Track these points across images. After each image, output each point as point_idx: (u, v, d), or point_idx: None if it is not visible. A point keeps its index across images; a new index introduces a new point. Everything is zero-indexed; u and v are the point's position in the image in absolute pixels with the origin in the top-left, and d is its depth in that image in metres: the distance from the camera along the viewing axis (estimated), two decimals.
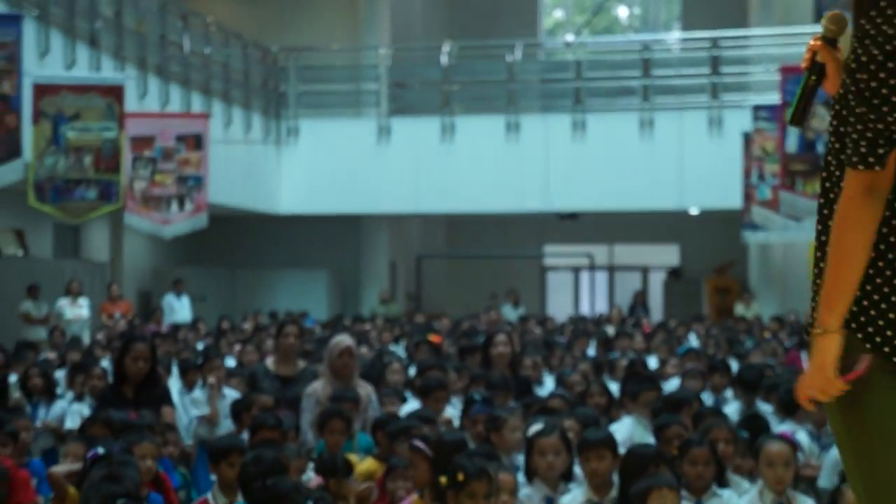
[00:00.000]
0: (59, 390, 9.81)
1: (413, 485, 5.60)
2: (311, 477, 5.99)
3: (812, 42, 2.91)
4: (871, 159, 2.61)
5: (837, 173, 2.72)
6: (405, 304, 24.01)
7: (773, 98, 16.78)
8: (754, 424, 6.86)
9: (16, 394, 8.89)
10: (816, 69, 2.91)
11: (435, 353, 11.10)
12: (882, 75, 2.58)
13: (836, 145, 2.72)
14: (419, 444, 5.48)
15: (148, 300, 21.47)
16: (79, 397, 9.29)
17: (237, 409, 7.79)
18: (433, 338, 12.13)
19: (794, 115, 2.93)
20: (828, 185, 2.77)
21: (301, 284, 23.07)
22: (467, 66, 22.08)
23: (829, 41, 2.90)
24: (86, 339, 15.24)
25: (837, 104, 2.73)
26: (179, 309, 19.28)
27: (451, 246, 26.73)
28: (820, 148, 14.80)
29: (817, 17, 22.40)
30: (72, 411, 8.92)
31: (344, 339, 7.97)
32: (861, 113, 2.61)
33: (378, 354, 11.55)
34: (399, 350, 13.53)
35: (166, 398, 7.69)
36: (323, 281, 23.32)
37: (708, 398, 8.56)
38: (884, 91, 2.59)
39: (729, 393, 8.83)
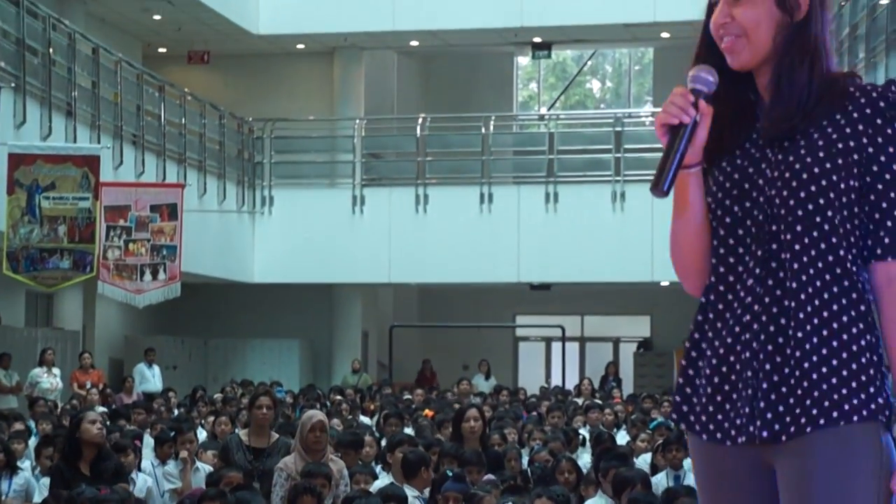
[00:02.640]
0: (30, 462, 9.77)
1: None
2: None
3: (685, 96, 2.52)
4: None
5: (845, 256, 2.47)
6: (377, 374, 24.01)
7: None
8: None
9: None
10: (694, 129, 2.51)
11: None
12: None
13: (850, 235, 2.47)
14: None
15: (120, 369, 21.41)
16: (47, 471, 9.25)
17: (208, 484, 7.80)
18: (427, 413, 12.14)
19: (665, 180, 2.50)
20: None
21: (273, 353, 23.08)
22: (441, 138, 22.28)
23: (706, 97, 2.53)
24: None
25: (866, 192, 2.46)
26: (151, 378, 19.24)
27: (423, 316, 26.78)
28: None
29: None
30: (41, 486, 8.86)
31: (316, 414, 8.02)
32: None
33: (351, 425, 11.58)
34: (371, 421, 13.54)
35: (121, 473, 7.65)
36: (295, 350, 23.33)
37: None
38: None
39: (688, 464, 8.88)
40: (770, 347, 2.46)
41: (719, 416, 2.51)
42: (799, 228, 2.46)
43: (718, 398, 2.51)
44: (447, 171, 21.91)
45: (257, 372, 21.76)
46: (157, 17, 21.35)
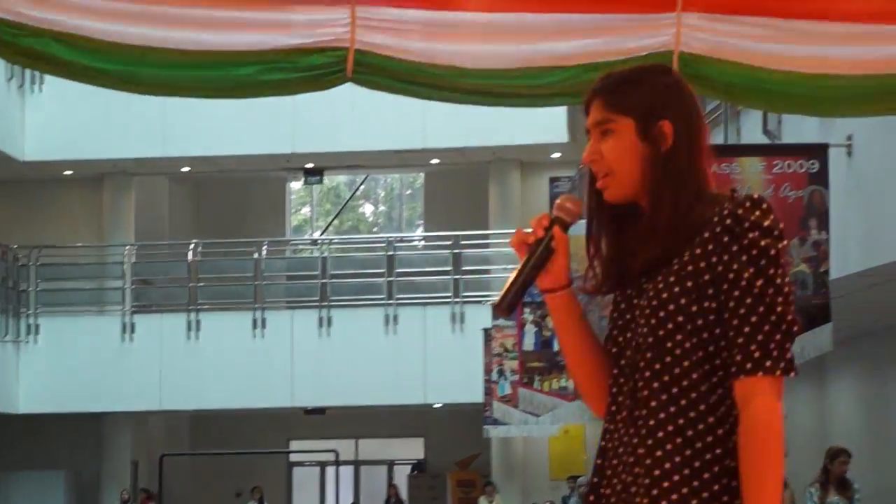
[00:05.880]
0: None
1: None
2: None
3: (541, 220, 2.54)
4: (789, 363, 2.46)
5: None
6: None
7: None
8: None
9: None
10: (547, 254, 2.54)
11: None
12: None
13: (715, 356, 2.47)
14: None
15: None
16: None
17: None
18: None
19: (507, 301, 2.51)
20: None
21: (37, 486, 22.32)
22: (214, 264, 22.23)
23: (564, 226, 2.55)
24: None
25: (720, 312, 2.46)
26: None
27: (195, 443, 26.35)
28: (556, 346, 15.27)
29: None
30: None
31: None
32: (782, 314, 2.43)
33: None
34: None
35: None
36: (61, 482, 22.64)
37: None
38: (787, 291, 2.46)
39: None
40: (629, 479, 2.47)
41: None
42: (650, 355, 2.47)
43: None
44: (219, 296, 21.85)
45: None
46: None
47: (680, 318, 2.46)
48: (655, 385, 2.47)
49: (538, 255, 2.52)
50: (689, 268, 2.47)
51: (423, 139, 22.16)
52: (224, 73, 3.89)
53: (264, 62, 3.85)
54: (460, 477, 24.64)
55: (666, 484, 2.43)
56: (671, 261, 2.49)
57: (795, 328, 2.45)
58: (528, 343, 15.88)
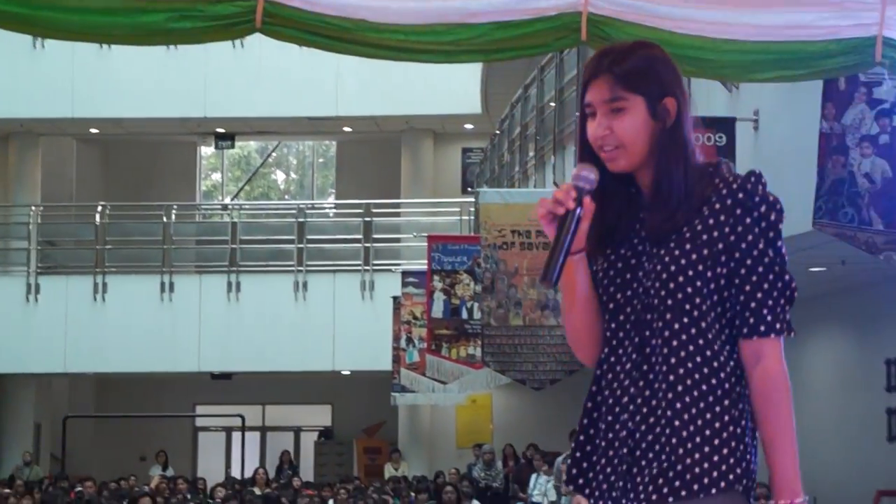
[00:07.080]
0: None
1: None
2: None
3: (570, 192, 2.66)
4: (790, 325, 2.70)
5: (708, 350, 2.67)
6: (49, 466, 23.25)
7: (421, 264, 17.42)
8: None
9: None
10: (578, 223, 2.66)
11: None
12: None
13: (720, 317, 2.68)
14: None
15: None
16: None
17: None
18: None
19: (553, 272, 2.65)
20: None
21: None
22: (122, 226, 22.01)
23: (588, 193, 2.68)
24: None
25: (731, 277, 2.67)
26: None
27: (100, 406, 26.12)
28: (465, 314, 15.33)
29: (464, 190, 23.57)
30: None
31: None
32: (788, 281, 2.67)
33: None
34: None
35: None
36: None
37: None
38: (786, 259, 2.70)
39: None
40: (643, 427, 2.66)
41: (604, 486, 2.73)
42: (669, 316, 2.67)
43: (607, 469, 2.72)
44: (127, 259, 21.63)
45: None
46: None
47: (698, 283, 2.68)
48: (675, 343, 2.67)
49: (572, 225, 2.66)
50: (704, 237, 2.68)
51: (336, 107, 22.10)
52: (132, 20, 3.86)
53: (173, 10, 3.83)
54: (367, 444, 24.69)
55: (684, 432, 2.63)
56: (681, 229, 2.69)
57: (796, 294, 2.70)
58: (437, 310, 15.94)
